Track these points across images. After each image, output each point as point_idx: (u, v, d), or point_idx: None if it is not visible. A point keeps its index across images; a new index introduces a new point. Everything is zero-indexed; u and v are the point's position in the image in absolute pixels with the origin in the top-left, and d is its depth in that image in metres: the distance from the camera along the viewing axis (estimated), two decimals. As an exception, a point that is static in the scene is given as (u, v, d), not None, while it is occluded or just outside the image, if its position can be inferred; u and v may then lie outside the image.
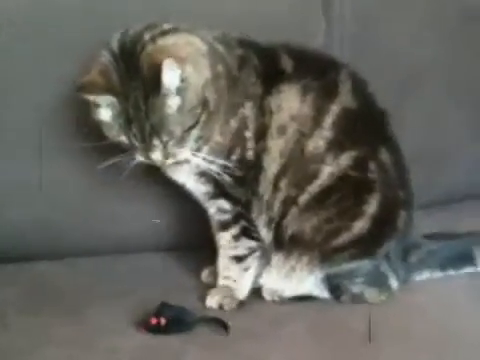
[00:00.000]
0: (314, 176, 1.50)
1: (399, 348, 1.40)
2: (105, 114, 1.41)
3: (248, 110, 1.49)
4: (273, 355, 1.39)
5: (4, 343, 1.41)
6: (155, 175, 1.55)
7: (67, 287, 1.61)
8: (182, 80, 1.37)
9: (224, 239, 1.57)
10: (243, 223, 1.55)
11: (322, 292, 1.56)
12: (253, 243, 1.56)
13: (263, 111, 1.50)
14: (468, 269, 1.65)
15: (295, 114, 1.50)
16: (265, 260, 1.56)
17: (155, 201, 1.70)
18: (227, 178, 1.50)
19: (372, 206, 1.52)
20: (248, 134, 1.50)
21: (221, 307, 1.53)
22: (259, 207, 1.54)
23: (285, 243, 1.54)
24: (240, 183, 1.52)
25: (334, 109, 1.51)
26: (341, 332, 1.45)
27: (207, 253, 1.62)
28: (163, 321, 1.43)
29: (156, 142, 1.40)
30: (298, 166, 1.50)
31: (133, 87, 1.38)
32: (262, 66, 1.52)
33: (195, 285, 1.63)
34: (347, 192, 1.51)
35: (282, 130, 1.50)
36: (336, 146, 1.50)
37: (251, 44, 1.54)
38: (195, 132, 1.41)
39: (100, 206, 1.72)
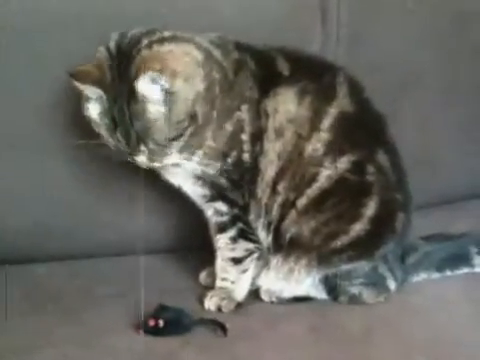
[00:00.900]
0: (313, 179, 1.50)
1: (396, 349, 1.40)
2: (94, 110, 1.42)
3: (244, 113, 1.49)
4: (271, 356, 1.39)
5: (4, 343, 1.41)
6: (153, 177, 1.55)
7: (66, 289, 1.61)
8: (171, 93, 1.37)
9: (222, 241, 1.57)
10: (240, 225, 1.55)
11: (320, 293, 1.56)
12: (251, 245, 1.57)
13: (259, 114, 1.50)
14: (465, 269, 1.66)
15: (292, 117, 1.50)
16: (263, 262, 1.57)
17: (153, 203, 1.70)
18: (224, 181, 1.51)
19: (370, 209, 1.52)
20: (244, 137, 1.50)
21: (219, 309, 1.54)
22: (257, 210, 1.54)
23: (284, 245, 1.54)
24: (237, 186, 1.52)
25: (332, 112, 1.51)
26: (339, 333, 1.45)
27: (205, 255, 1.62)
28: (161, 323, 1.43)
29: (141, 147, 1.41)
30: (296, 169, 1.50)
31: (121, 89, 1.38)
32: (259, 69, 1.52)
33: (193, 287, 1.63)
34: (345, 195, 1.51)
35: (279, 133, 1.50)
36: (334, 149, 1.50)
37: (248, 47, 1.54)
38: (178, 144, 1.42)
39: (99, 209, 1.72)
